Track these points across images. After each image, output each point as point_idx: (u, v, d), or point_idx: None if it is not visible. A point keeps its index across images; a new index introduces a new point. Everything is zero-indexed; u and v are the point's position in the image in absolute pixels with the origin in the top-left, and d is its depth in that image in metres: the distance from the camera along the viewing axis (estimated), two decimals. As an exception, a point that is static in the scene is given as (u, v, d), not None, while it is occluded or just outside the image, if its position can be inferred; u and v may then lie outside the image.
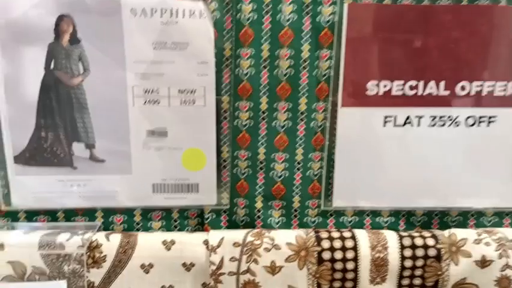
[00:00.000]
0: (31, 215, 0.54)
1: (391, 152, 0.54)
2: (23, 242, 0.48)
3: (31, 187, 0.53)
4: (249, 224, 0.55)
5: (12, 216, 0.54)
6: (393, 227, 0.55)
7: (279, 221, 0.55)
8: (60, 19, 0.49)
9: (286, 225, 0.55)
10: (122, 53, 0.50)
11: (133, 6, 0.49)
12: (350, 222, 0.55)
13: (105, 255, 0.48)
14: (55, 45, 0.50)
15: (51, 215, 0.54)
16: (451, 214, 0.56)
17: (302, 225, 0.55)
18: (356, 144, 0.53)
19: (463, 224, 0.56)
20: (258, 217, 0.55)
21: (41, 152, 0.52)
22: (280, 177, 0.54)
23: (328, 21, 0.51)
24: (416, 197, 0.55)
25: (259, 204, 0.55)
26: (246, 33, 0.51)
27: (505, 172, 0.55)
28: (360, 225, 0.55)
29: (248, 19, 0.50)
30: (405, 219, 0.56)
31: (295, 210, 0.55)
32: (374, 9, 0.50)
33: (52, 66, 0.50)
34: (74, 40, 0.50)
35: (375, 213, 0.55)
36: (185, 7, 0.50)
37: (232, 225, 0.55)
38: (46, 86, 0.50)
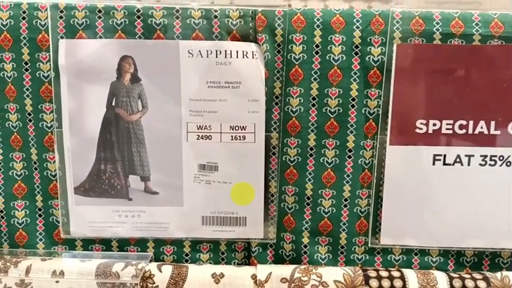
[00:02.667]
0: (87, 243, 0.57)
1: (440, 191, 0.53)
2: (81, 269, 0.50)
3: (88, 217, 0.55)
4: (295, 259, 0.55)
5: (70, 244, 0.57)
6: (442, 267, 0.55)
7: (325, 257, 0.55)
8: (122, 59, 0.53)
9: (333, 262, 0.55)
10: (179, 91, 0.53)
11: (190, 48, 0.52)
12: (397, 260, 0.55)
13: (157, 286, 0.49)
14: (117, 84, 0.53)
15: (105, 244, 0.57)
16: (503, 256, 0.54)
17: (349, 262, 0.55)
18: (404, 182, 0.53)
19: (517, 266, 0.54)
20: (305, 252, 0.55)
21: (100, 184, 0.55)
22: (327, 213, 0.55)
23: (377, 61, 0.52)
24: (466, 237, 0.54)
25: (305, 240, 0.55)
26: (296, 72, 0.53)
27: (561, 214, 0.53)
28: (408, 264, 0.55)
29: (298, 59, 0.52)
30: (455, 259, 0.55)
31: (342, 247, 0.55)
32: (423, 49, 0.51)
33: (113, 103, 0.54)
34: (135, 79, 0.53)
35: (423, 252, 0.55)
36: (238, 48, 0.52)
37: (279, 259, 0.56)
38: (107, 121, 0.54)
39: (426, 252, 0.55)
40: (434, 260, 0.55)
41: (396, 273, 0.49)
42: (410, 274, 0.49)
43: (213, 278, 0.49)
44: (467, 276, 0.49)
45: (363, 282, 0.48)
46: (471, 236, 0.54)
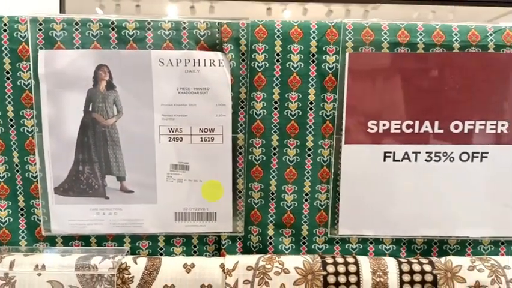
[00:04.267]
0: (67, 240, 0.61)
1: (391, 185, 0.59)
2: (62, 263, 0.54)
3: (68, 215, 0.59)
4: (262, 250, 0.60)
5: (51, 241, 0.60)
6: (395, 254, 0.60)
7: (289, 247, 0.60)
8: (98, 68, 0.57)
9: (296, 251, 0.60)
10: (151, 97, 0.57)
11: (161, 57, 0.57)
12: (354, 249, 0.60)
13: (132, 277, 0.53)
14: (93, 91, 0.57)
15: (84, 240, 0.61)
16: (450, 243, 0.60)
17: (310, 251, 0.60)
18: (358, 177, 0.59)
19: (461, 252, 0.60)
20: (270, 243, 0.60)
21: (78, 184, 0.59)
22: (290, 207, 0.60)
23: (332, 68, 0.57)
24: (417, 227, 0.59)
25: (271, 232, 0.60)
26: (259, 78, 0.58)
27: (499, 204, 0.59)
28: (364, 252, 0.60)
29: (261, 67, 0.57)
30: (406, 247, 0.60)
31: (304, 238, 0.60)
32: (372, 57, 0.57)
33: (90, 108, 0.58)
34: (110, 86, 0.57)
35: (378, 241, 0.60)
36: (206, 57, 0.57)
37: (247, 251, 0.60)
38: (84, 126, 0.58)
39: (381, 241, 0.60)
40: (387, 247, 0.60)
41: (351, 260, 0.54)
42: (364, 260, 0.54)
43: (185, 268, 0.54)
44: (415, 261, 0.54)
45: (321, 268, 0.53)
46: (421, 225, 0.59)
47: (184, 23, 0.57)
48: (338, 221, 0.59)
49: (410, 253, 0.60)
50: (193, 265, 0.54)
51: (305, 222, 0.60)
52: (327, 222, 0.60)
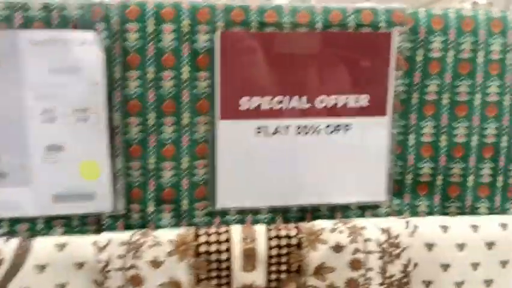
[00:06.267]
0: None
1: (266, 158, 0.62)
2: None
3: None
4: (143, 227, 0.61)
5: None
6: (271, 223, 0.64)
7: (169, 223, 0.62)
8: (-39, 48, 0.55)
9: (177, 226, 0.62)
10: (22, 78, 0.56)
11: (31, 38, 0.56)
12: (233, 220, 0.63)
13: (2, 258, 0.53)
14: (-44, 72, 0.56)
15: (-44, 226, 0.59)
16: (321, 209, 0.65)
17: (191, 225, 0.62)
18: (234, 152, 0.61)
19: (331, 217, 0.64)
20: (151, 220, 0.62)
21: None
22: (169, 183, 0.61)
23: (204, 47, 0.59)
24: (291, 196, 0.63)
25: (151, 209, 0.61)
26: (132, 58, 0.59)
27: (364, 171, 0.64)
28: (242, 223, 0.63)
29: (133, 46, 0.58)
30: (282, 216, 0.64)
31: (185, 212, 0.62)
32: (242, 36, 0.59)
33: (-47, 90, 0.56)
34: (-26, 67, 0.56)
35: (255, 211, 0.63)
36: (77, 37, 0.57)
37: (129, 228, 0.61)
38: None
39: (258, 211, 0.63)
40: (265, 217, 0.64)
41: (222, 229, 0.57)
42: (235, 229, 0.57)
43: (57, 247, 0.54)
44: (282, 226, 0.58)
45: (193, 239, 0.55)
46: (294, 194, 0.63)
47: (55, 3, 0.56)
48: (217, 195, 0.62)
49: (286, 221, 0.64)
50: (65, 244, 0.54)
51: (185, 197, 0.62)
52: (206, 196, 0.62)
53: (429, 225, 0.60)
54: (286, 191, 0.63)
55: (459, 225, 0.60)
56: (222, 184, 0.62)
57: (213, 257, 0.55)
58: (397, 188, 0.66)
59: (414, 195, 0.66)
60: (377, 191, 0.65)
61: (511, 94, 0.65)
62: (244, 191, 0.62)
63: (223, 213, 0.63)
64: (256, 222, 0.63)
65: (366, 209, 0.65)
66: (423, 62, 0.63)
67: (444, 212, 0.66)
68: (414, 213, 0.66)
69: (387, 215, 0.65)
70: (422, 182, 0.66)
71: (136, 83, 0.59)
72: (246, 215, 0.63)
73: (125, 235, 0.56)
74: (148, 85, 0.59)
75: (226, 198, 0.62)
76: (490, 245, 0.60)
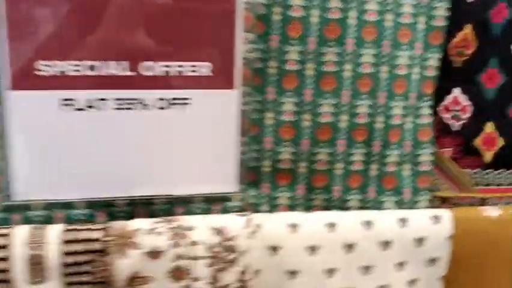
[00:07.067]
0: None
1: (77, 140, 0.49)
2: None
3: None
4: None
5: None
6: (92, 220, 0.51)
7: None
8: None
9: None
10: None
11: None
12: (39, 216, 0.50)
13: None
14: None
15: None
16: (157, 203, 0.53)
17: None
18: (35, 132, 0.48)
19: (171, 213, 0.53)
20: None
21: None
22: None
23: None
24: (116, 187, 0.51)
25: None
26: None
27: (209, 156, 0.52)
28: (50, 222, 0.50)
29: None
30: (106, 211, 0.52)
31: (-29, 207, 0.49)
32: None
33: None
34: None
35: (69, 205, 0.51)
36: None
37: None
38: None
39: (73, 206, 0.51)
40: (83, 213, 0.51)
41: (3, 231, 0.44)
42: (20, 230, 0.45)
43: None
44: (83, 227, 0.46)
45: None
46: (120, 185, 0.51)
47: None
48: (14, 185, 0.49)
49: (112, 218, 0.52)
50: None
51: (-26, 188, 0.49)
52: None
53: (276, 224, 0.49)
54: (109, 181, 0.51)
55: (313, 223, 0.50)
56: (20, 173, 0.48)
57: (-15, 268, 0.43)
58: (253, 176, 0.54)
59: (273, 185, 0.55)
60: (226, 180, 0.53)
61: (389, 65, 0.54)
62: (53, 180, 0.49)
63: (25, 208, 0.50)
64: (72, 219, 0.51)
65: (214, 202, 0.54)
66: (282, 22, 0.51)
67: (309, 206, 0.56)
68: (274, 206, 0.55)
69: (241, 209, 0.54)
70: (283, 170, 0.55)
71: None
72: (57, 211, 0.51)
73: None
74: None
75: (26, 189, 0.49)
76: (348, 247, 0.50)
